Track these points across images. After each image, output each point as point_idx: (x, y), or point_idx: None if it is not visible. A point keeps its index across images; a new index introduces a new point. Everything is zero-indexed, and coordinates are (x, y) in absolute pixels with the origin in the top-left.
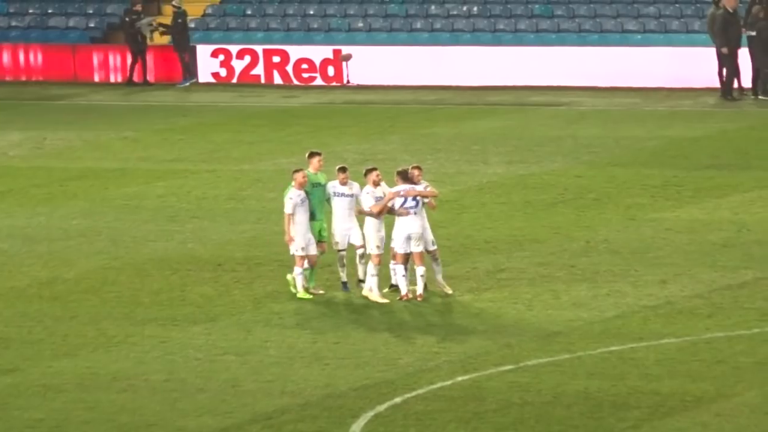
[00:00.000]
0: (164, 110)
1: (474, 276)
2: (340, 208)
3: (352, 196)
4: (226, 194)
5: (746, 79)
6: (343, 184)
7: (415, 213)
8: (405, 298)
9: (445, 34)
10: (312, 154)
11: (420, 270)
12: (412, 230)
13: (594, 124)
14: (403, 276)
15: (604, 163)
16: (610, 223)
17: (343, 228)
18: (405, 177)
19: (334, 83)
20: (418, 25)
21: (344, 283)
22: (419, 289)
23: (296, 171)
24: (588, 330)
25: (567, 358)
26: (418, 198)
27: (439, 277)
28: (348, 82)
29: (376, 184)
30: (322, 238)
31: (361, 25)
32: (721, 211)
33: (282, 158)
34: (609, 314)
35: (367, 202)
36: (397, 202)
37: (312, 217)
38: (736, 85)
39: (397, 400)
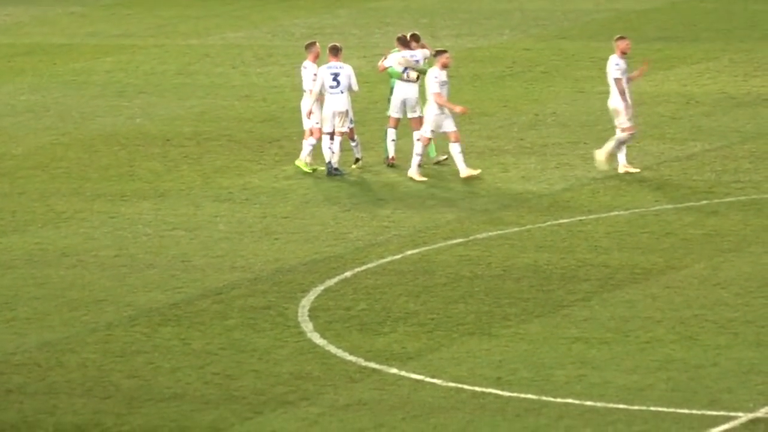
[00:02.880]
0: None
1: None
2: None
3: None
4: (174, 69)
5: None
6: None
7: (418, 79)
8: (392, 161)
9: None
10: (413, 35)
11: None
12: (408, 95)
13: None
14: (393, 141)
15: (552, 36)
16: (559, 96)
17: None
18: (405, 43)
19: None
20: None
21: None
22: (391, 152)
23: (311, 44)
24: (537, 203)
25: (516, 231)
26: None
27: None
28: None
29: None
30: None
31: None
32: (669, 84)
33: (230, 32)
34: (558, 187)
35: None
36: (401, 69)
37: None
38: None
39: (347, 274)
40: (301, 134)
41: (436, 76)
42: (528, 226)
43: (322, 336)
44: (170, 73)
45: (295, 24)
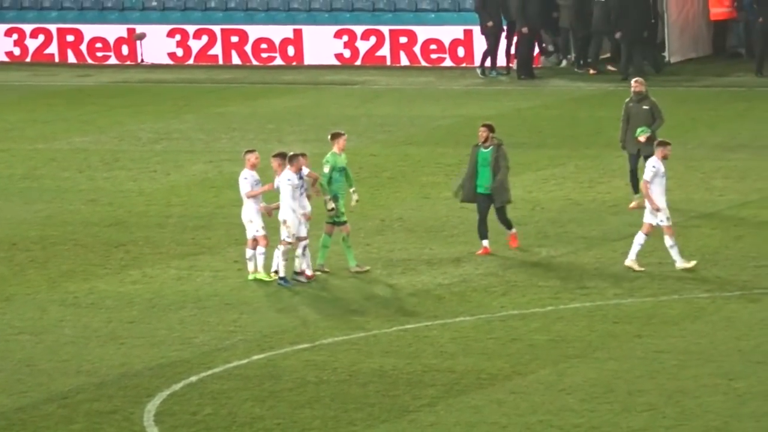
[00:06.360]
0: None
1: (268, 255)
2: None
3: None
4: (20, 173)
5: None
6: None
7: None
8: (312, 277)
9: (240, 14)
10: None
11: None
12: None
13: (388, 103)
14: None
15: (399, 142)
16: (405, 201)
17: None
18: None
19: (128, 62)
20: (213, 4)
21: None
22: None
23: (248, 152)
24: (383, 308)
25: (362, 337)
26: (304, 178)
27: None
28: (142, 61)
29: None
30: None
31: (155, 3)
32: (515, 190)
33: (77, 137)
34: (404, 293)
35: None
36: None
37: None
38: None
39: (193, 378)
40: (145, 239)
41: (654, 165)
42: (374, 331)
43: None
44: (16, 177)
45: (141, 129)
